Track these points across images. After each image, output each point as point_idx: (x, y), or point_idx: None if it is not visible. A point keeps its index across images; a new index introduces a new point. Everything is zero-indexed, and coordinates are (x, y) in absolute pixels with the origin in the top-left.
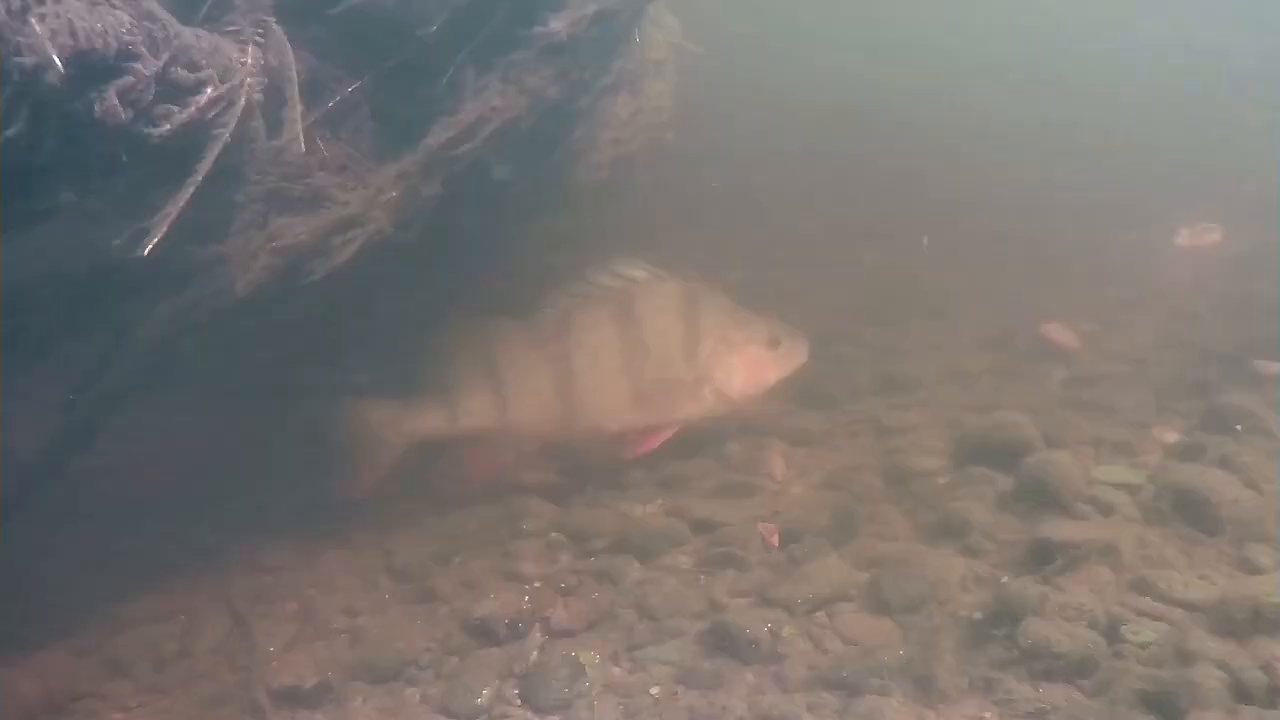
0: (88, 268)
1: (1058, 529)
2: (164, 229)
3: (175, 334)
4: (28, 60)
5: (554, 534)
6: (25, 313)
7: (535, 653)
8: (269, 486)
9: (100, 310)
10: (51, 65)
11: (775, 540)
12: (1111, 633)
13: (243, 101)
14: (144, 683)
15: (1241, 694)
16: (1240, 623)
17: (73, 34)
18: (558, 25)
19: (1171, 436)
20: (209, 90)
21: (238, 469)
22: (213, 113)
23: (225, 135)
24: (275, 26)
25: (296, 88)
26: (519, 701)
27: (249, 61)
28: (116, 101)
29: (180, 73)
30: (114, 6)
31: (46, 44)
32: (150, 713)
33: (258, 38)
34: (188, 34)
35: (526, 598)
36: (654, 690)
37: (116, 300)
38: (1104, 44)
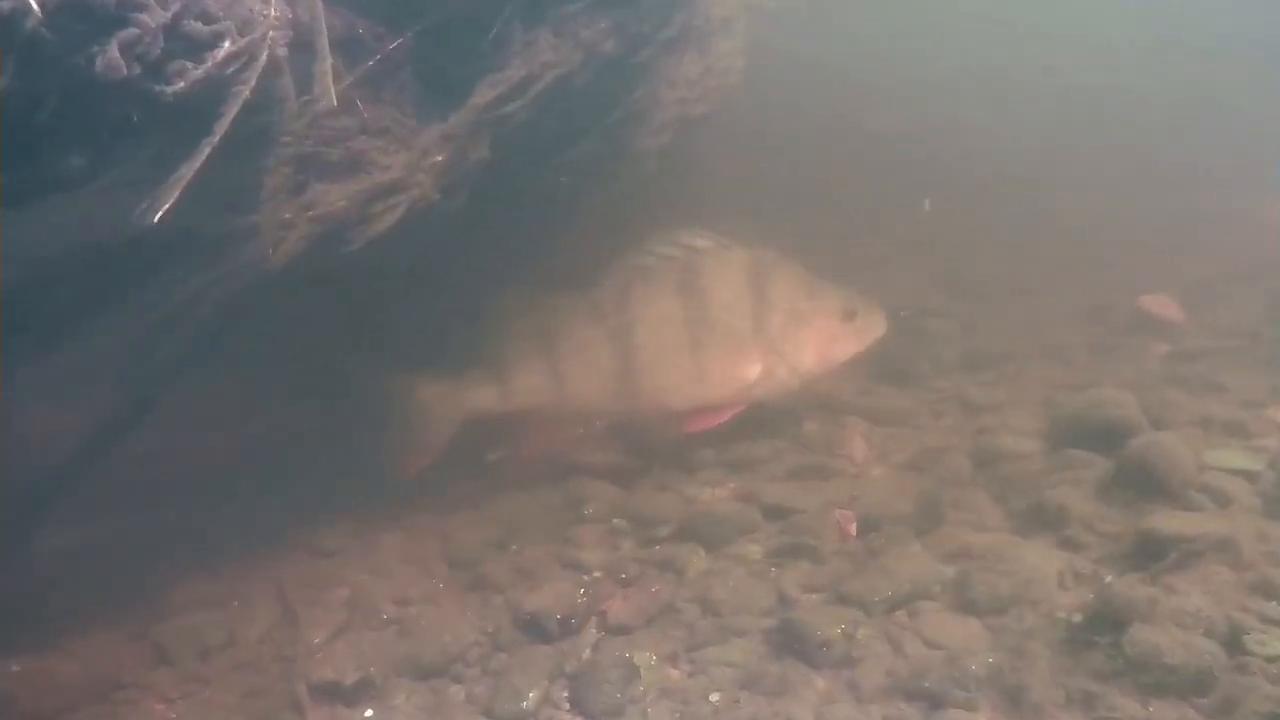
0: (112, 241)
1: (1167, 520)
2: (176, 194)
3: (210, 310)
4: (3, 5)
5: (616, 519)
6: (45, 289)
7: (588, 651)
8: (326, 468)
9: (126, 287)
10: (29, 10)
11: (852, 529)
12: (1233, 643)
13: (264, 57)
14: (187, 672)
15: None
16: None
17: None
18: None
19: None
20: (227, 44)
21: (292, 451)
22: (232, 69)
23: (245, 93)
24: None
25: (326, 40)
26: (567, 705)
27: (272, 14)
28: (119, 55)
29: (193, 25)
30: None
31: None
32: (191, 704)
33: None
34: None
35: (583, 590)
36: (714, 697)
37: (142, 275)
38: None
